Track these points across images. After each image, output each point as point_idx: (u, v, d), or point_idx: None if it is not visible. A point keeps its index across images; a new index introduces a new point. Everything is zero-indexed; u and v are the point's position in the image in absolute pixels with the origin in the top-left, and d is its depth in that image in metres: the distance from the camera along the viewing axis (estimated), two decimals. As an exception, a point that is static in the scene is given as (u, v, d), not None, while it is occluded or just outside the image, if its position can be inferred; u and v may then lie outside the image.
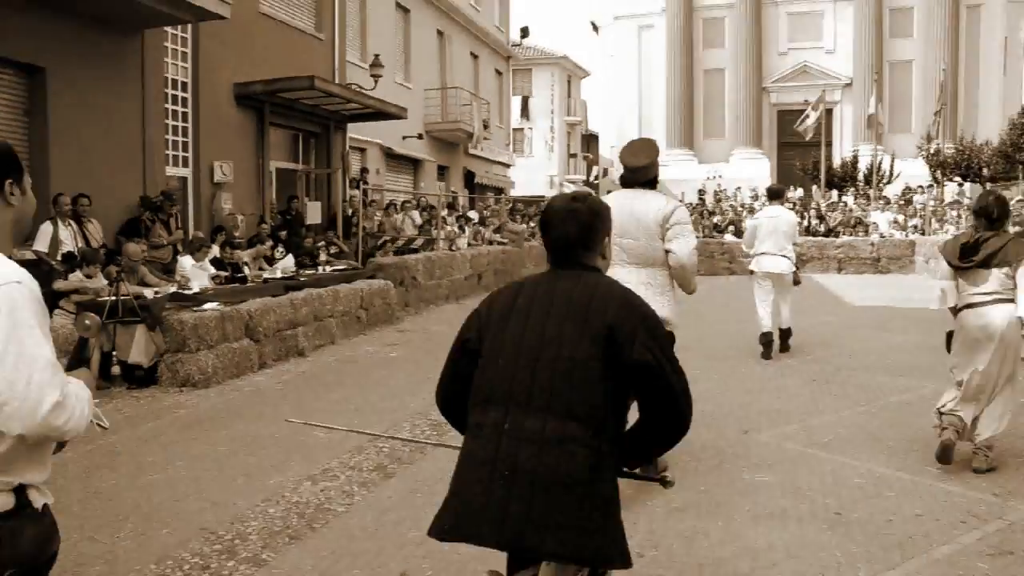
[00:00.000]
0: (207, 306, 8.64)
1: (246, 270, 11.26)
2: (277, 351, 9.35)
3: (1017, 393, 5.40)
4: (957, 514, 4.44)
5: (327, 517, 4.56)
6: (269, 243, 12.66)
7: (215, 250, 11.19)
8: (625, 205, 4.76)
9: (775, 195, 9.82)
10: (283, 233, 13.63)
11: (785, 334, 9.49)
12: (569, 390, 2.17)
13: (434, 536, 2.30)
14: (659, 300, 4.63)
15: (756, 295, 9.34)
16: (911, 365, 8.61)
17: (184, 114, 12.78)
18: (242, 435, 6.30)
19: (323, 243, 14.05)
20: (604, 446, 2.18)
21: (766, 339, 9.12)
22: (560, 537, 2.09)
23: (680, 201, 6.52)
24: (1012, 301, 4.99)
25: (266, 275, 11.34)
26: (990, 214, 5.17)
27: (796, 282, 9.42)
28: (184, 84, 12.75)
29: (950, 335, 5.44)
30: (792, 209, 24.65)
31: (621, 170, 5.04)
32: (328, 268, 12.79)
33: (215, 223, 12.76)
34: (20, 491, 1.85)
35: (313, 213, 15.28)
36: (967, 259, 5.12)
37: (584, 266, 2.40)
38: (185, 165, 12.82)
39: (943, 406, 5.34)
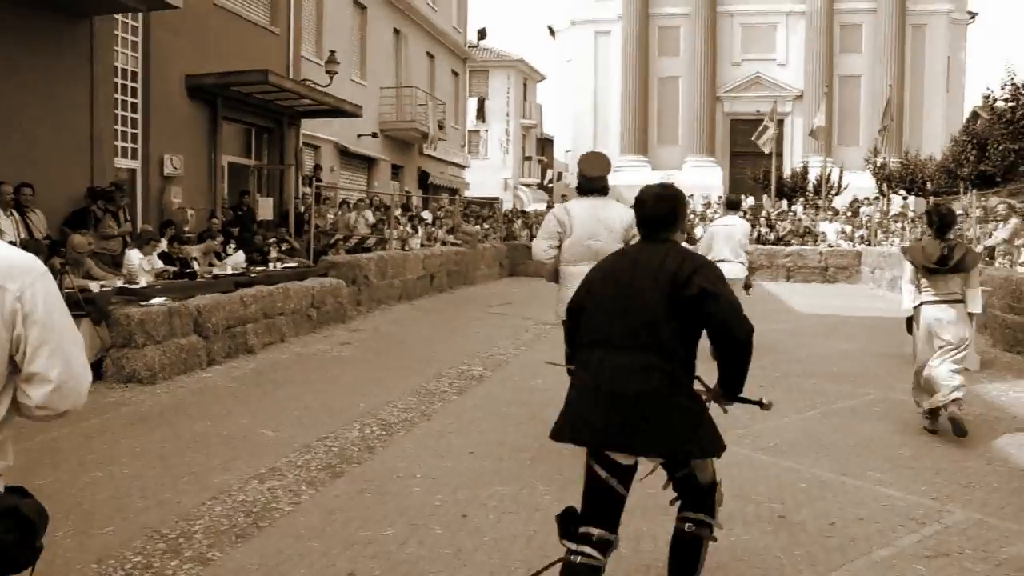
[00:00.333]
0: (155, 301, 8.49)
1: (195, 265, 11.09)
2: (226, 348, 9.22)
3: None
4: (896, 518, 4.55)
5: (274, 516, 4.52)
6: (220, 238, 12.49)
7: (163, 244, 11.00)
8: (591, 211, 5.70)
9: (732, 205, 10.56)
10: (234, 229, 13.46)
11: None
12: (647, 333, 2.94)
13: (553, 438, 3.12)
14: None
15: None
16: (856, 371, 8.81)
17: (134, 105, 12.54)
18: (189, 433, 6.20)
19: (275, 240, 13.90)
20: (676, 371, 2.95)
21: None
22: (645, 438, 2.91)
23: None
24: (963, 301, 6.21)
25: (216, 271, 11.18)
26: (950, 223, 6.27)
27: (747, 286, 9.89)
28: (134, 74, 12.51)
29: (910, 320, 6.57)
30: (743, 218, 25.16)
31: (575, 177, 5.77)
32: (279, 265, 12.65)
33: (164, 217, 12.55)
34: None
35: (265, 209, 15.11)
36: (943, 265, 6.09)
37: (666, 240, 3.14)
38: (134, 157, 12.59)
39: (925, 411, 6.38)
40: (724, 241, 9.67)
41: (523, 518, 4.52)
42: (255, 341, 9.78)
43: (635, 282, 3.01)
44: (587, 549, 3.01)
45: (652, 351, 2.92)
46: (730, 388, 3.11)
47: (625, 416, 2.90)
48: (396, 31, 25.60)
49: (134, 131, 12.58)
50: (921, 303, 6.33)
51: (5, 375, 1.89)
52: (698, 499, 3.24)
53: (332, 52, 18.76)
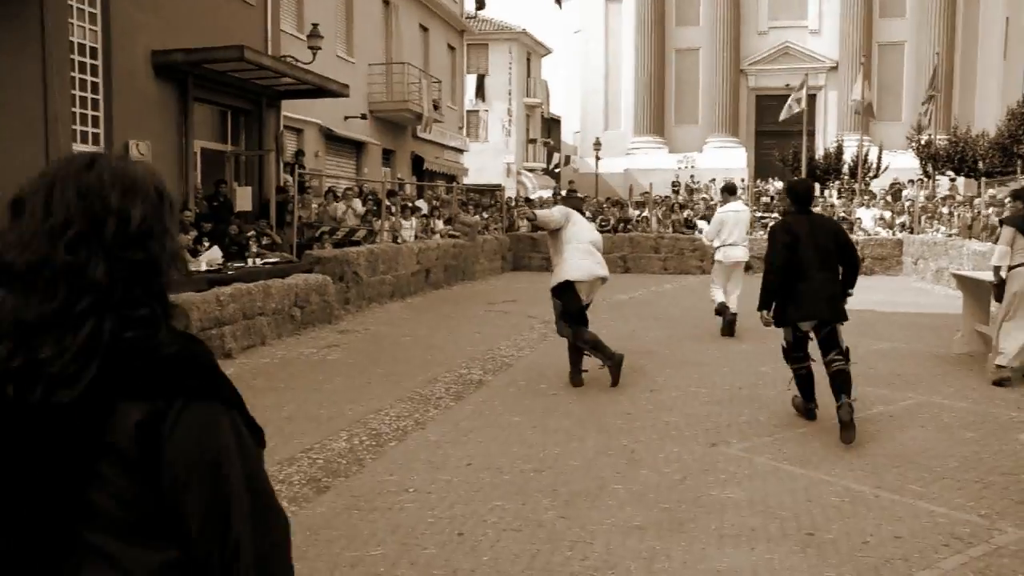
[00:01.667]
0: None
1: (165, 262, 11.11)
2: (199, 353, 9.24)
3: None
4: (939, 536, 4.56)
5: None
6: (193, 232, 12.53)
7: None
8: (584, 219, 8.55)
9: (732, 191, 12.01)
10: (208, 223, 13.49)
11: (733, 319, 11.34)
12: (829, 261, 6.66)
13: (786, 321, 6.85)
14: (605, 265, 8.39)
15: (715, 278, 11.71)
16: (895, 374, 8.81)
17: (94, 84, 12.56)
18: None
19: (254, 233, 13.93)
20: (839, 279, 6.77)
21: (723, 306, 11.37)
22: (833, 312, 6.64)
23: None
24: None
25: (189, 267, 11.20)
26: None
27: (748, 267, 12.28)
28: (94, 50, 12.53)
29: (1001, 286, 8.23)
30: (772, 203, 25.19)
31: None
32: (259, 261, 12.69)
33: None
34: None
35: (243, 200, 15.13)
36: None
37: (811, 211, 7.03)
38: (96, 142, 12.61)
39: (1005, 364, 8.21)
40: (733, 226, 11.37)
41: (525, 535, 4.55)
42: (233, 344, 9.82)
43: (818, 234, 6.64)
44: (809, 363, 6.96)
45: (833, 271, 6.69)
46: (851, 285, 6.86)
47: (826, 303, 6.62)
48: (386, 2, 25.63)
49: (95, 113, 12.60)
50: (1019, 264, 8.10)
51: None
52: (838, 347, 6.60)
53: (315, 26, 18.78)
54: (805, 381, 6.95)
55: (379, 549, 4.36)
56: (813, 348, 6.82)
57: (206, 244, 12.54)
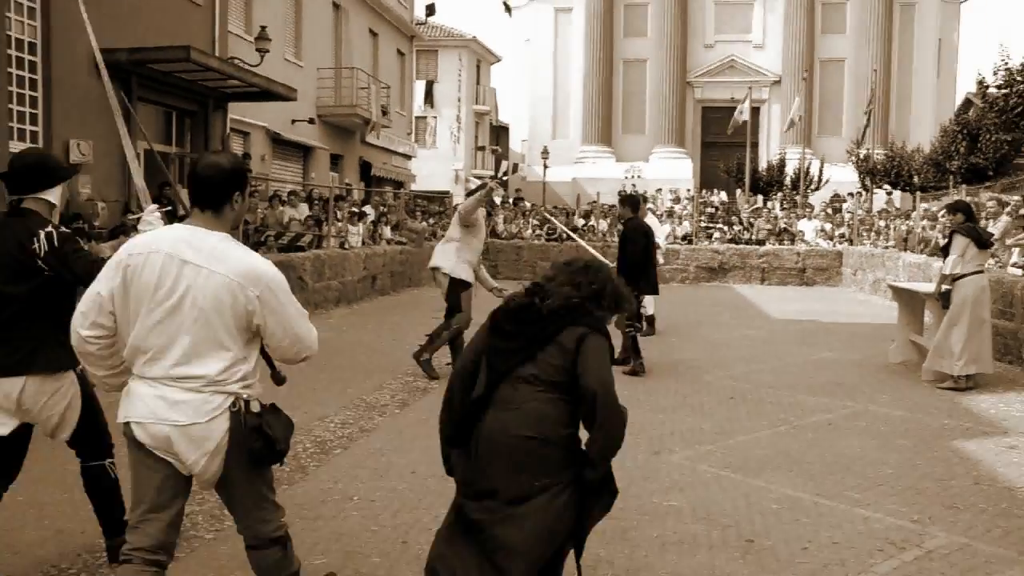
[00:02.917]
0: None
1: (105, 265, 10.89)
2: (139, 358, 9.06)
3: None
4: (875, 541, 4.64)
5: (193, 545, 4.47)
6: (134, 235, 12.30)
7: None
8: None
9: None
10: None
11: (652, 319, 12.31)
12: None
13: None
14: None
15: None
16: (834, 383, 8.96)
17: (32, 81, 12.29)
18: (95, 453, 6.09)
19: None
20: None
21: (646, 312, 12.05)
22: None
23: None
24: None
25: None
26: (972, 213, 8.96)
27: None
28: (32, 46, 12.26)
29: (947, 294, 8.63)
30: (716, 214, 25.53)
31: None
32: (202, 265, 12.48)
33: (71, 210, 12.31)
34: None
35: (188, 202, 14.90)
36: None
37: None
38: (34, 141, 12.33)
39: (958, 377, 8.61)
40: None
41: (469, 545, 4.52)
42: (173, 350, 9.63)
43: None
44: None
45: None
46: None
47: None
48: (335, 5, 25.47)
49: (33, 111, 12.33)
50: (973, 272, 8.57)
51: (255, 339, 3.23)
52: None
53: (263, 28, 18.60)
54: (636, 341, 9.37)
55: (323, 558, 4.31)
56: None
57: (148, 247, 12.31)
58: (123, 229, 12.31)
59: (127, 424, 3.07)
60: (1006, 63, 22.46)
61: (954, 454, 6.32)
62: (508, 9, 47.62)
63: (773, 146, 40.56)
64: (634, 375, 9.14)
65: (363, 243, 18.29)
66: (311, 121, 23.51)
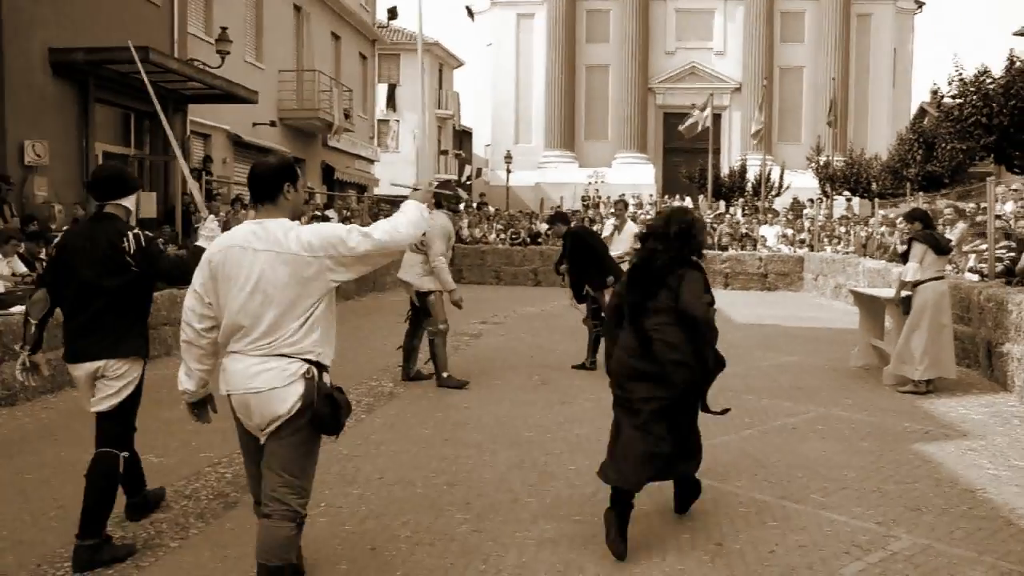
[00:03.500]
0: (14, 309, 8.20)
1: (63, 269, 10.72)
2: (98, 363, 8.94)
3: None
4: (840, 544, 4.70)
5: (158, 554, 4.42)
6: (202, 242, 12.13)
7: (23, 245, 10.62)
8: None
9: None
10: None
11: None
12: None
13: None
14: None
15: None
16: (796, 387, 9.06)
17: (-14, 81, 12.09)
18: (55, 461, 6.00)
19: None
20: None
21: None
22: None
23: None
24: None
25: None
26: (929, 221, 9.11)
27: None
28: (-14, 47, 12.07)
29: (908, 300, 8.82)
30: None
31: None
32: (162, 269, 12.34)
33: (26, 212, 12.12)
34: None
35: (147, 205, 14.74)
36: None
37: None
38: (-12, 142, 12.15)
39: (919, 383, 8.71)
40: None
41: (438, 550, 4.52)
42: (133, 355, 9.51)
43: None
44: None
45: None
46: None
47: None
48: (297, 8, 25.32)
49: (-13, 112, 12.13)
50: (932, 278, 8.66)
51: (329, 312, 3.69)
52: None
53: (223, 29, 18.44)
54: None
55: (289, 565, 4.27)
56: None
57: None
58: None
59: (228, 396, 3.60)
60: (960, 74, 22.89)
61: (916, 457, 6.42)
62: (471, 13, 47.64)
63: (735, 152, 40.94)
64: (582, 368, 9.78)
65: (325, 247, 18.17)
66: (272, 124, 23.34)
